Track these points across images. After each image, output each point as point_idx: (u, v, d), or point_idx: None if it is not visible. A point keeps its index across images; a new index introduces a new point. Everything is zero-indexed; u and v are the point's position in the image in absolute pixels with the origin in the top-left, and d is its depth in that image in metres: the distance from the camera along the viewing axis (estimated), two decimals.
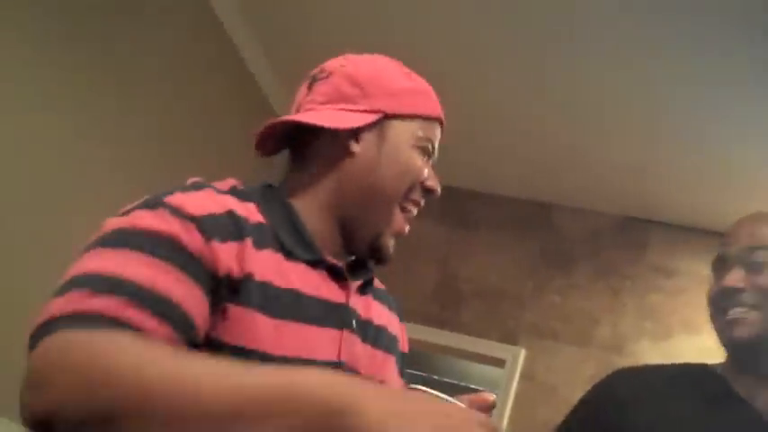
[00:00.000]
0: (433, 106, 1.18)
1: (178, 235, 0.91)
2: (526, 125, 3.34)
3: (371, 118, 1.12)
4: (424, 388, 0.87)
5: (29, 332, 0.82)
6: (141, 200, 0.98)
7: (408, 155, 1.14)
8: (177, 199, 0.95)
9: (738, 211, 3.55)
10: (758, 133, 2.93)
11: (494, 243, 3.91)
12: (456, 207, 3.95)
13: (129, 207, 0.97)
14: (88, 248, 0.91)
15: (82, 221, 1.46)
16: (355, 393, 0.70)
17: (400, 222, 1.15)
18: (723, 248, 1.44)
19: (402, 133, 1.14)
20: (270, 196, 1.08)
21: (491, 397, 0.90)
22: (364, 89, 1.14)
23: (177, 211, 0.93)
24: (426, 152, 1.16)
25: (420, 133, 1.15)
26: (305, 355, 0.99)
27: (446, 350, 3.92)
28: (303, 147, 1.16)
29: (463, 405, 0.86)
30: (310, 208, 1.11)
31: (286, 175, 1.17)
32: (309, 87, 1.17)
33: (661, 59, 2.73)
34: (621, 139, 3.24)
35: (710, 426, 1.38)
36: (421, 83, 1.19)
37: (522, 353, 3.63)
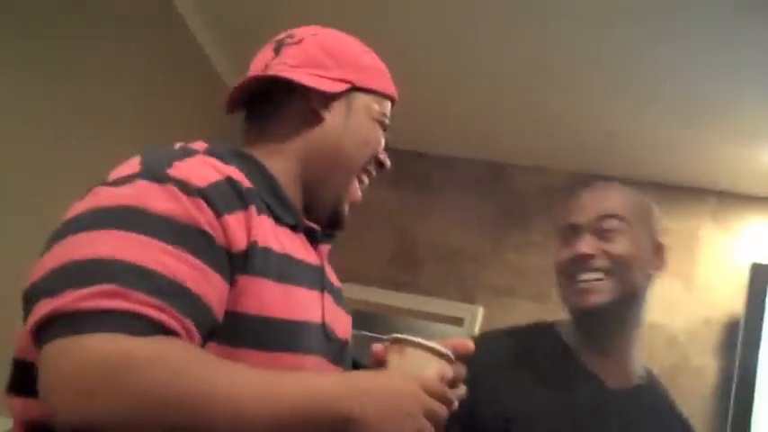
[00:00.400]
0: (391, 86, 1.23)
1: (194, 218, 0.91)
2: (476, 86, 3.34)
3: (342, 86, 1.16)
4: (407, 336, 1.00)
5: (43, 313, 0.82)
6: (138, 165, 0.96)
7: (370, 127, 1.19)
8: (179, 171, 0.94)
9: (688, 165, 3.61)
10: (707, 87, 2.98)
11: (449, 205, 3.93)
12: (410, 170, 3.96)
13: (125, 173, 0.95)
14: (96, 224, 0.88)
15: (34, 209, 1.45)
16: (358, 403, 0.88)
17: (357, 191, 1.20)
18: (572, 217, 1.46)
19: (365, 106, 1.19)
20: (245, 160, 1.07)
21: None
22: (335, 58, 1.17)
23: (185, 187, 0.92)
24: (384, 127, 1.21)
25: (379, 108, 1.20)
26: (305, 318, 1.04)
27: (405, 312, 3.96)
28: (269, 109, 1.17)
29: (446, 350, 1.00)
30: (281, 172, 1.12)
31: (247, 138, 1.17)
32: (276, 51, 1.18)
33: (610, 11, 2.74)
34: (571, 96, 3.27)
35: (555, 395, 1.40)
36: (380, 62, 1.23)
37: (480, 311, 3.68)
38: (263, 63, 1.18)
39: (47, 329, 0.81)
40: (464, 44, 3.09)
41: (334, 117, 1.16)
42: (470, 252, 3.83)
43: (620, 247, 1.42)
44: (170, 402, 0.78)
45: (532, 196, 3.85)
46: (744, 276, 3.34)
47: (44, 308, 0.82)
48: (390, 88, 1.23)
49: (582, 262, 1.42)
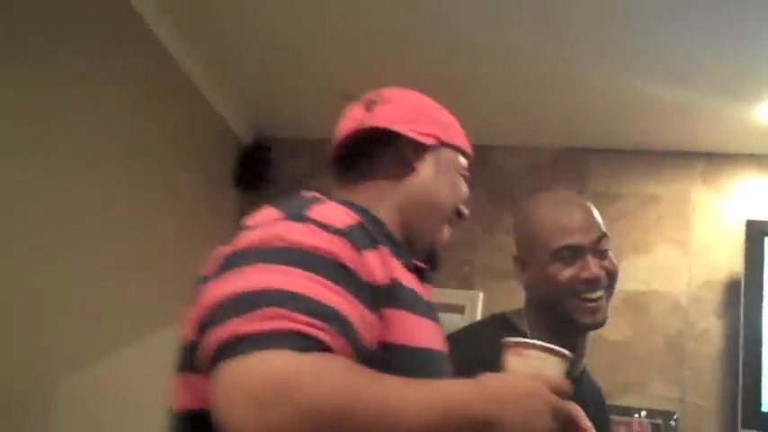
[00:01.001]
0: (468, 144, 1.38)
1: (338, 253, 0.98)
2: (456, 70, 3.32)
3: (432, 140, 1.29)
4: (523, 339, 1.09)
5: (212, 343, 0.88)
6: (276, 212, 1.04)
7: (456, 179, 1.33)
8: (317, 214, 1.02)
9: (672, 130, 3.57)
10: (679, 58, 2.96)
11: None
12: None
13: (266, 218, 1.03)
14: (247, 261, 0.95)
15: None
16: (497, 406, 0.95)
17: (446, 235, 1.34)
18: (573, 238, 1.61)
19: (451, 160, 1.33)
20: (357, 208, 1.13)
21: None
22: (424, 115, 1.31)
23: (325, 227, 1.00)
24: (466, 180, 1.36)
25: (462, 163, 1.35)
26: (436, 347, 1.15)
27: None
28: (364, 161, 1.28)
29: (563, 349, 1.06)
30: (384, 220, 1.20)
31: (343, 188, 1.27)
32: (368, 109, 1.29)
33: None
34: (549, 68, 3.24)
35: None
36: (456, 121, 1.38)
37: (480, 296, 3.66)
38: (355, 120, 1.28)
39: (217, 357, 0.87)
40: (443, 29, 3.06)
41: (425, 169, 1.28)
42: (463, 237, 3.81)
43: (612, 263, 1.64)
44: (340, 413, 0.83)
45: (518, 176, 3.83)
46: (739, 235, 3.33)
47: (212, 339, 0.89)
48: (468, 146, 1.37)
49: (595, 283, 1.60)
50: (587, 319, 1.61)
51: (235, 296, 0.91)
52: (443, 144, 1.32)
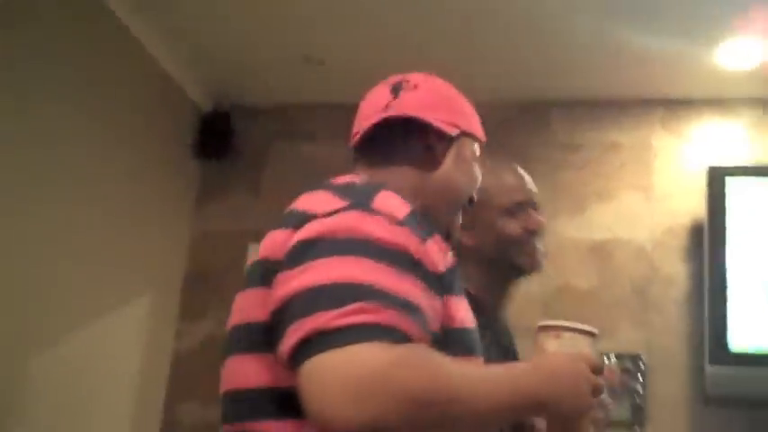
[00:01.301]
0: (483, 132, 1.42)
1: (407, 245, 1.03)
2: (416, 29, 3.30)
3: (456, 130, 1.32)
4: (557, 322, 1.17)
5: (301, 336, 0.92)
6: (341, 201, 1.07)
7: (474, 168, 1.37)
8: (381, 204, 1.07)
9: (630, 77, 3.57)
10: (634, 2, 2.96)
11: None
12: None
13: (333, 207, 1.05)
14: (326, 252, 0.99)
15: None
16: (549, 387, 1.04)
17: (459, 221, 1.37)
18: (520, 195, 1.78)
19: (470, 149, 1.37)
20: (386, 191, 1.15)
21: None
22: (448, 105, 1.34)
23: (392, 218, 1.05)
24: (479, 168, 1.39)
25: (478, 152, 1.39)
26: (474, 325, 1.19)
27: None
28: (387, 146, 1.30)
29: (595, 329, 1.17)
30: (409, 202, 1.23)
31: (365, 172, 1.29)
32: (394, 93, 1.30)
33: None
34: (506, 26, 3.24)
35: (486, 341, 1.58)
36: (473, 109, 1.41)
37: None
38: (382, 103, 1.30)
39: (304, 349, 0.91)
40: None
41: (447, 158, 1.31)
42: None
43: (542, 215, 1.81)
44: (430, 400, 0.89)
45: (490, 132, 3.82)
46: (701, 180, 3.37)
47: (299, 331, 0.93)
48: (483, 134, 1.41)
49: (541, 232, 1.77)
50: (531, 264, 1.77)
51: (317, 289, 0.95)
52: (464, 133, 1.35)
